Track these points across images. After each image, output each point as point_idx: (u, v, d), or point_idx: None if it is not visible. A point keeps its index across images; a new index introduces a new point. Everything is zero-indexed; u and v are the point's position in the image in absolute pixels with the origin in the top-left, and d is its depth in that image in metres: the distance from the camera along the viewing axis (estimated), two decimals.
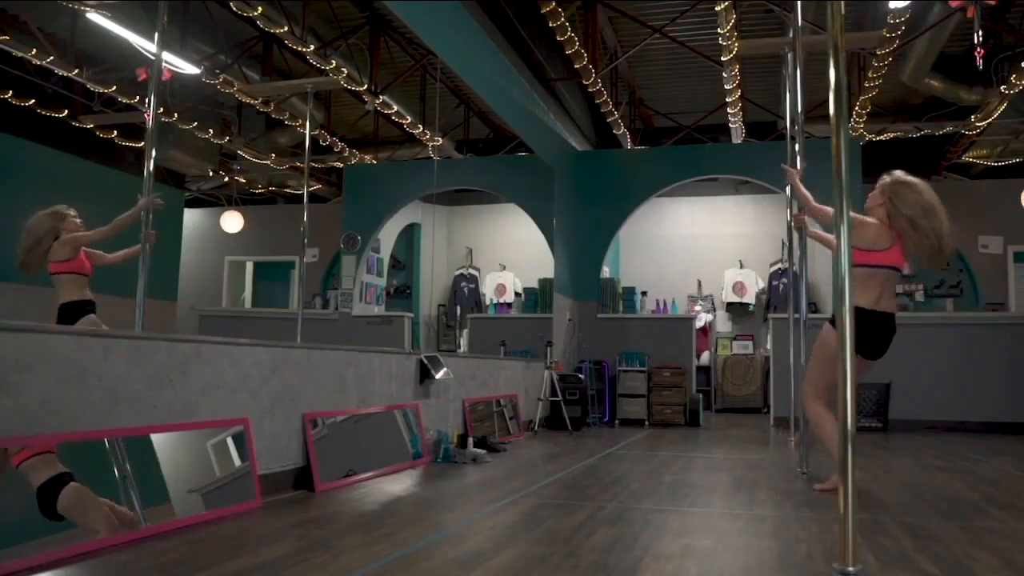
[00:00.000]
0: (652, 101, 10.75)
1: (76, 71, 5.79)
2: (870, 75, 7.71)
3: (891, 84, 8.57)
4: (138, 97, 6.21)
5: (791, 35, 5.13)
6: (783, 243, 9.93)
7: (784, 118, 5.49)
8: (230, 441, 3.25)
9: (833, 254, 3.93)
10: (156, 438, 2.87)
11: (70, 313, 4.08)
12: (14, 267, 4.25)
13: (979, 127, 8.94)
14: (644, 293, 10.79)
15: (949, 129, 9.47)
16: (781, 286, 10.52)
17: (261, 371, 3.51)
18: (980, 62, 6.78)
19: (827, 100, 2.09)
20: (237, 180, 9.71)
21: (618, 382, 8.45)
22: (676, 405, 8.32)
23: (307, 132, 6.98)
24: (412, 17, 5.60)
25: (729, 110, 8.62)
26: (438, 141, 8.35)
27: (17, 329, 2.38)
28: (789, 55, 5.27)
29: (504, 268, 11.09)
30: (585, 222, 9.42)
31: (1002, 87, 7.78)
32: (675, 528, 2.92)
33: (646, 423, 8.31)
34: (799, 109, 4.69)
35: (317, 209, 10.10)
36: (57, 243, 4.11)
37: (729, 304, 11.35)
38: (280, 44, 6.85)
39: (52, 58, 5.52)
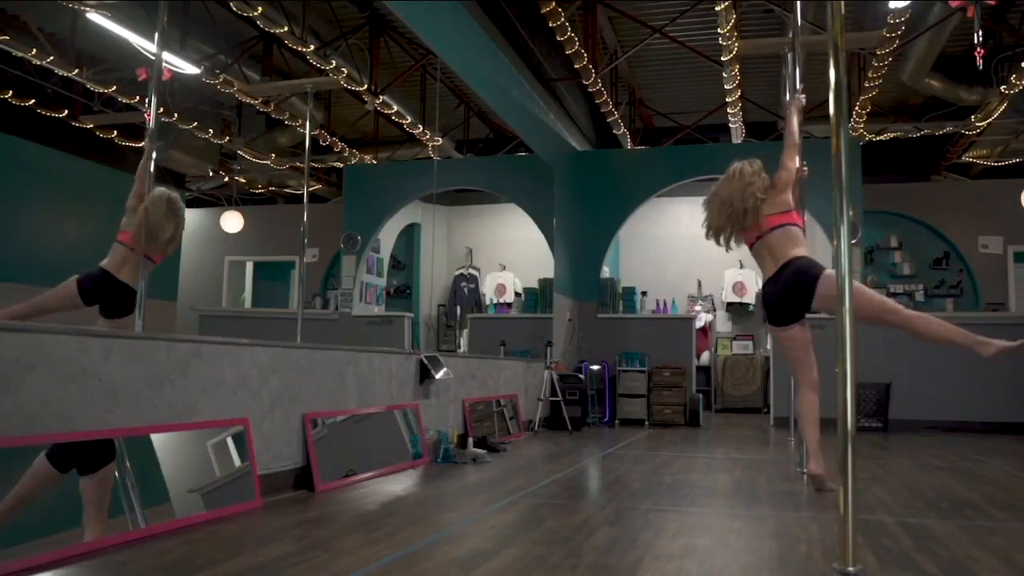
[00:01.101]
0: (652, 101, 10.75)
1: (76, 71, 5.79)
2: (870, 75, 7.71)
3: (891, 84, 8.57)
4: (138, 97, 6.21)
5: (791, 35, 5.13)
6: None
7: (784, 118, 5.48)
8: (230, 441, 3.25)
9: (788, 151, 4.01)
10: (156, 438, 2.87)
11: (133, 302, 4.03)
12: (14, 267, 4.23)
13: (979, 127, 8.94)
14: (644, 293, 10.79)
15: (949, 129, 9.47)
16: None
17: (261, 371, 3.51)
18: (980, 62, 6.78)
19: (827, 100, 2.09)
20: (237, 180, 9.70)
21: (618, 382, 8.45)
22: (676, 405, 8.32)
23: (307, 132, 6.99)
24: (412, 17, 5.60)
25: (729, 110, 8.62)
26: (438, 141, 8.35)
27: (17, 329, 2.38)
28: (789, 55, 5.26)
29: (504, 268, 11.09)
30: (585, 222, 9.42)
31: (1002, 87, 7.78)
32: (675, 528, 2.92)
33: (646, 423, 8.31)
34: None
35: (317, 209, 10.10)
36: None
37: (729, 304, 11.34)
38: (280, 44, 6.84)
39: (52, 58, 5.52)
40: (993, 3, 6.89)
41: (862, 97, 8.26)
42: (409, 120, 7.98)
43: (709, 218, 4.14)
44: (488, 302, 10.98)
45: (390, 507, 3.29)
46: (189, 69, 6.33)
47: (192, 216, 10.04)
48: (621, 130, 9.50)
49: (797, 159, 4.10)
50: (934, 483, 4.17)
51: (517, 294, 10.80)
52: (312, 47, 6.48)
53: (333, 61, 6.80)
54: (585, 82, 7.81)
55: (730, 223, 4.04)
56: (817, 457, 3.83)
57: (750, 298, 11.19)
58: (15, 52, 5.36)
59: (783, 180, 4.00)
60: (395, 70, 7.67)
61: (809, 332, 3.94)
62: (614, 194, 9.51)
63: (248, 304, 10.65)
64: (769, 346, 9.01)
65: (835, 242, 2.04)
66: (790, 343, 3.94)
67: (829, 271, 3.75)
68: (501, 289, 11.00)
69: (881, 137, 9.63)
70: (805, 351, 3.94)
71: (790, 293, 3.82)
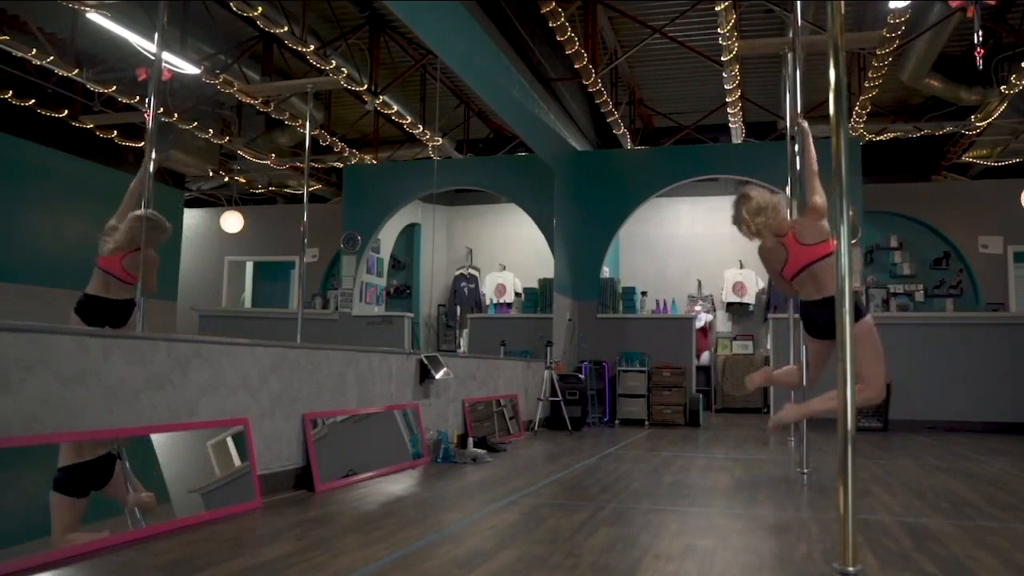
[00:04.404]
0: (652, 101, 10.75)
1: (76, 71, 5.78)
2: (870, 75, 7.71)
3: (891, 84, 8.57)
4: (138, 97, 6.21)
5: (791, 35, 5.13)
6: None
7: (784, 118, 5.49)
8: (230, 441, 3.25)
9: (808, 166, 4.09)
10: (156, 438, 2.87)
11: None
12: (14, 267, 4.23)
13: (979, 127, 8.94)
14: (644, 293, 10.79)
15: (949, 129, 9.47)
16: None
17: (261, 371, 3.51)
18: (980, 62, 6.78)
19: (827, 100, 2.09)
20: (237, 180, 9.71)
21: (618, 382, 8.45)
22: (676, 405, 8.32)
23: (307, 132, 6.98)
24: (412, 17, 5.60)
25: (729, 110, 8.62)
26: (438, 141, 8.35)
27: (17, 329, 2.38)
28: (789, 55, 5.27)
29: (504, 268, 11.09)
30: (585, 222, 9.42)
31: (1002, 87, 7.78)
32: (675, 528, 2.92)
33: (646, 423, 8.31)
34: (799, 109, 4.69)
35: (317, 209, 10.10)
36: None
37: (729, 304, 11.34)
38: (280, 44, 6.84)
39: (52, 58, 5.52)
40: (993, 3, 6.89)
41: (862, 97, 8.26)
42: (409, 120, 7.98)
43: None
44: (488, 302, 10.98)
45: (390, 507, 3.29)
46: (189, 69, 6.33)
47: (192, 216, 10.07)
48: (621, 130, 9.50)
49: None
50: (934, 483, 4.17)
51: (517, 294, 10.81)
52: (312, 47, 6.48)
53: (333, 61, 6.80)
54: (585, 82, 7.81)
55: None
56: (800, 407, 4.11)
57: (750, 298, 11.18)
58: (15, 52, 5.36)
59: (820, 206, 4.07)
60: (395, 70, 7.67)
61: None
62: (614, 194, 9.50)
63: (248, 304, 10.66)
64: (769, 346, 9.01)
65: (835, 242, 2.04)
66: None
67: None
68: (501, 289, 11.00)
69: (881, 137, 9.63)
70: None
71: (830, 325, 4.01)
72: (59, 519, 2.47)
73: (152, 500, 2.81)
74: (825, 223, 4.04)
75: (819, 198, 4.04)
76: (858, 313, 3.86)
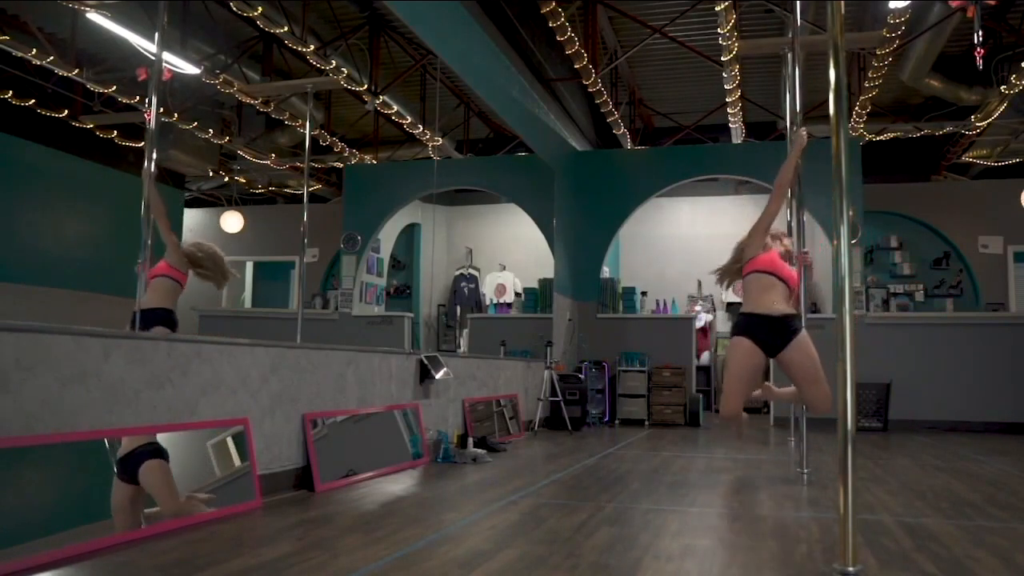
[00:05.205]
0: (652, 101, 10.75)
1: (76, 71, 5.79)
2: (870, 75, 7.72)
3: (891, 84, 8.57)
4: (138, 97, 6.21)
5: (791, 35, 5.13)
6: None
7: (784, 118, 5.49)
8: (230, 441, 3.25)
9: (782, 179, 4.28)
10: (156, 438, 2.87)
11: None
12: (14, 267, 4.24)
13: (979, 127, 8.94)
14: (644, 293, 10.78)
15: (949, 129, 9.47)
16: None
17: (261, 371, 3.51)
18: (980, 62, 6.78)
19: (827, 100, 2.09)
20: (237, 180, 9.71)
21: (618, 382, 8.45)
22: (676, 405, 8.32)
23: (307, 132, 6.98)
24: (412, 17, 5.60)
25: (729, 110, 8.62)
26: (438, 141, 8.35)
27: (17, 329, 2.38)
28: (789, 55, 5.27)
29: (504, 268, 11.09)
30: (585, 222, 9.42)
31: (1002, 87, 7.78)
32: (675, 528, 2.92)
33: (646, 423, 8.31)
34: (799, 109, 4.69)
35: (317, 209, 10.10)
36: None
37: (729, 304, 11.34)
38: (280, 44, 6.85)
39: (52, 58, 5.52)
40: (993, 3, 6.89)
41: (862, 97, 8.26)
42: (409, 120, 7.99)
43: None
44: (488, 302, 10.97)
45: (390, 507, 3.29)
46: (189, 69, 6.33)
47: (192, 216, 10.06)
48: (621, 130, 9.50)
49: (782, 202, 4.34)
50: (934, 483, 4.17)
51: (517, 294, 10.80)
52: (312, 47, 6.48)
53: (333, 61, 6.80)
54: (585, 82, 7.81)
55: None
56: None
57: None
58: (15, 52, 5.36)
59: (753, 228, 4.35)
60: (395, 70, 7.67)
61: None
62: (614, 194, 9.50)
63: (248, 304, 10.65)
64: None
65: (835, 242, 2.04)
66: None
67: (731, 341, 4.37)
68: (501, 289, 10.99)
69: (881, 137, 9.63)
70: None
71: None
72: (167, 483, 2.71)
73: (211, 499, 2.99)
74: (755, 243, 4.35)
75: (757, 222, 4.32)
76: (734, 330, 4.36)
